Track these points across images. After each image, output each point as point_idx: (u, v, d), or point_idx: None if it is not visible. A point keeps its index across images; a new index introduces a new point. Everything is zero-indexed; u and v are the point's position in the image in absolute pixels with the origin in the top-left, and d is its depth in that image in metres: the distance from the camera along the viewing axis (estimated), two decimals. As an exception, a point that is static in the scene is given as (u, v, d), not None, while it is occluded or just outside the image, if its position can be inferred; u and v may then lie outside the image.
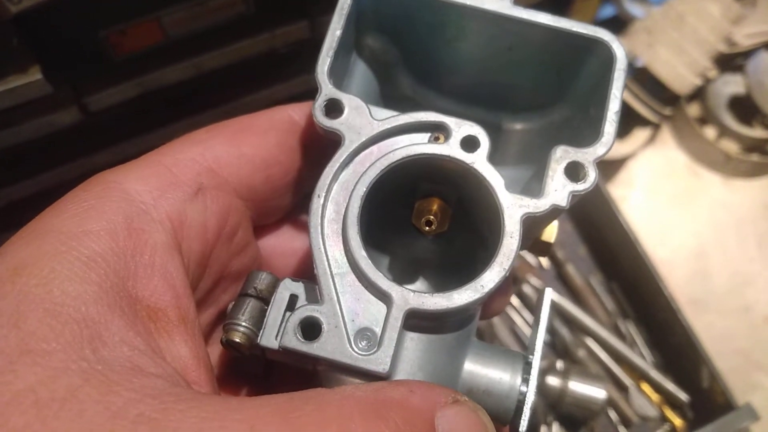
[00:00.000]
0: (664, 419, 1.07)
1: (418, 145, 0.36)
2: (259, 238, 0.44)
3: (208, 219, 0.37)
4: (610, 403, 1.06)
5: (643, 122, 1.39)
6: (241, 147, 0.38)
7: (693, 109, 1.47)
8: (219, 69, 0.85)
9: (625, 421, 1.06)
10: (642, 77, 1.35)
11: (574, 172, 0.36)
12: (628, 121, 1.40)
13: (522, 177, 0.43)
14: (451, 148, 0.36)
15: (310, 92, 0.38)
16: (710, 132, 1.45)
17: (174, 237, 0.35)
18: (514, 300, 1.12)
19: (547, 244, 0.42)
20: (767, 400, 1.16)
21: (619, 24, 1.48)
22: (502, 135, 0.46)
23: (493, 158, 0.36)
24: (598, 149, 0.36)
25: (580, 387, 0.99)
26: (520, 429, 0.37)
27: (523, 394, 0.37)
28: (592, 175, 0.35)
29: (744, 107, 1.44)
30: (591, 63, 0.40)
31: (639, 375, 1.09)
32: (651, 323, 1.13)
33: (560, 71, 0.42)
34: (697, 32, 1.31)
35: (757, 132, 1.43)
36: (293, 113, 0.41)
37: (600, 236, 1.18)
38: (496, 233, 0.35)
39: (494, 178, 0.36)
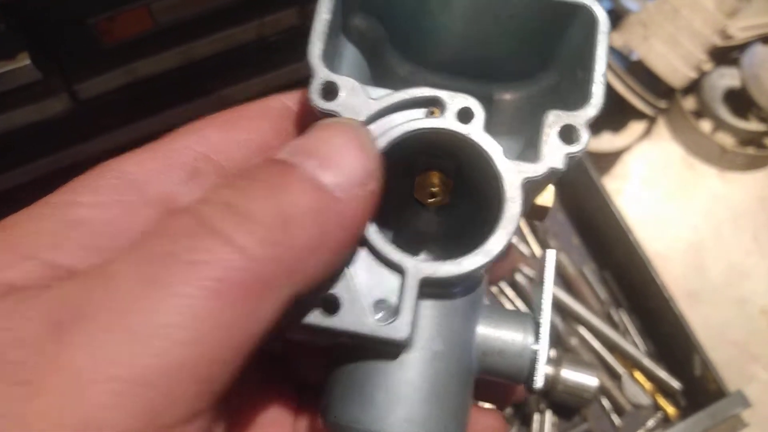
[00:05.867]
0: (657, 407, 1.07)
1: (415, 120, 0.37)
2: None
3: None
4: (603, 391, 1.06)
5: (639, 115, 1.39)
6: (235, 133, 0.39)
7: (688, 102, 1.48)
8: (210, 57, 0.86)
9: (618, 409, 1.06)
10: (637, 70, 1.35)
11: (567, 134, 0.36)
12: (623, 114, 1.40)
13: (515, 147, 0.44)
14: (447, 121, 0.37)
15: (302, 81, 0.38)
16: (706, 125, 1.45)
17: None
18: (508, 291, 1.12)
19: (545, 209, 0.42)
20: (762, 392, 1.16)
21: (614, 17, 1.48)
22: (492, 106, 0.47)
23: (486, 130, 0.37)
24: (589, 111, 0.37)
25: (572, 375, 1.00)
26: (535, 385, 0.38)
27: (536, 352, 0.38)
28: (585, 137, 0.36)
29: (739, 100, 1.44)
30: (574, 27, 0.41)
31: (632, 363, 1.09)
32: (643, 312, 1.14)
33: (546, 38, 0.43)
34: (691, 25, 1.31)
35: (752, 125, 1.43)
36: (286, 100, 0.41)
37: (593, 227, 1.18)
38: (497, 201, 0.36)
39: (491, 146, 0.36)
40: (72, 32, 0.76)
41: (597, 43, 0.38)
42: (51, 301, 0.26)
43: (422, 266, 0.35)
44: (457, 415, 0.37)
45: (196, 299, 0.25)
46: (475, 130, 0.36)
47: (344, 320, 0.34)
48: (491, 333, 0.39)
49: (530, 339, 0.38)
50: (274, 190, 0.29)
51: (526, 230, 1.18)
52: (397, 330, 0.34)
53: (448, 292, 0.37)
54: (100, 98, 0.83)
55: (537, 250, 1.16)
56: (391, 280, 0.35)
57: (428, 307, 0.37)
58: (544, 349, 0.38)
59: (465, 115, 0.37)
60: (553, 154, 0.36)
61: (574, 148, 0.36)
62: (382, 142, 0.37)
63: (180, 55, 0.83)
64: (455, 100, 0.37)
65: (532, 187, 0.37)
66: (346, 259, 0.34)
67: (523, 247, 1.16)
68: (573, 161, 0.37)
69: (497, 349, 0.38)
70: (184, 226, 0.28)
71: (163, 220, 0.29)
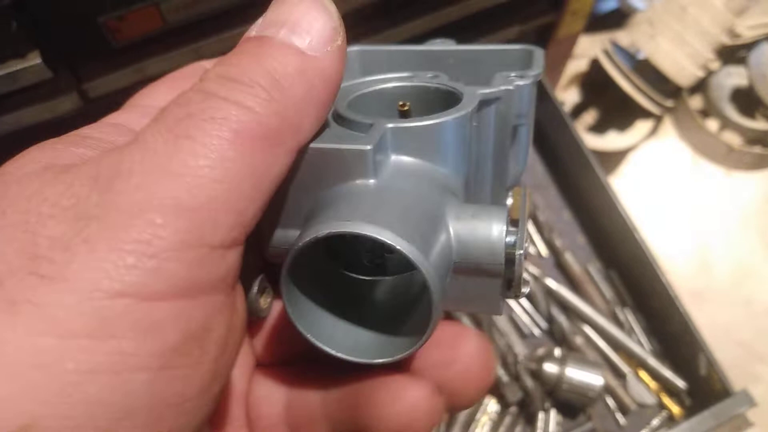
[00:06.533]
0: (661, 406, 1.07)
1: (393, 81, 0.47)
2: None
3: None
4: (608, 390, 1.06)
5: (645, 114, 1.40)
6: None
7: (695, 101, 1.48)
8: (219, 56, 0.86)
9: (623, 408, 1.06)
10: (644, 69, 1.35)
11: (517, 74, 0.46)
12: (630, 113, 1.40)
13: None
14: (420, 79, 0.47)
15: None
16: (712, 124, 1.45)
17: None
18: (513, 289, 1.12)
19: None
20: (768, 391, 1.16)
21: (620, 16, 1.49)
22: None
23: None
24: (533, 70, 0.47)
25: (576, 374, 1.00)
26: (514, 276, 0.37)
27: (511, 241, 0.37)
28: (532, 74, 0.46)
29: (746, 99, 1.44)
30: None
31: (637, 362, 1.09)
32: (649, 311, 1.13)
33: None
34: (699, 24, 1.31)
35: (759, 124, 1.43)
36: (208, 65, 0.44)
37: (599, 225, 1.18)
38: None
39: (455, 84, 0.45)
40: (82, 31, 0.77)
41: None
42: (90, 166, 0.29)
43: (389, 122, 0.39)
44: (427, 241, 0.34)
45: (219, 147, 0.29)
46: (441, 81, 0.46)
47: (316, 142, 0.37)
48: (463, 224, 0.37)
49: (503, 227, 0.36)
50: (259, 59, 0.33)
51: (531, 229, 1.18)
52: (361, 143, 0.36)
53: (419, 149, 0.40)
54: (109, 97, 0.83)
55: (543, 249, 1.16)
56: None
57: (402, 162, 0.39)
58: (521, 239, 0.36)
59: (435, 78, 0.47)
60: (505, 81, 0.45)
61: (522, 81, 0.45)
62: (368, 88, 0.46)
63: (190, 54, 0.84)
64: (426, 73, 0.48)
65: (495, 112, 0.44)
66: (327, 113, 0.37)
67: (530, 247, 1.16)
68: (522, 92, 0.45)
69: (470, 234, 0.36)
70: (193, 97, 0.32)
71: (173, 98, 0.33)
